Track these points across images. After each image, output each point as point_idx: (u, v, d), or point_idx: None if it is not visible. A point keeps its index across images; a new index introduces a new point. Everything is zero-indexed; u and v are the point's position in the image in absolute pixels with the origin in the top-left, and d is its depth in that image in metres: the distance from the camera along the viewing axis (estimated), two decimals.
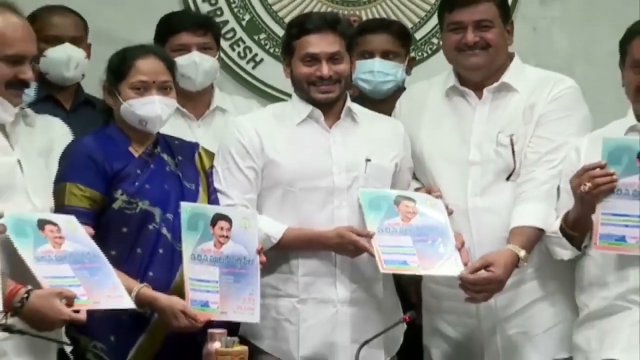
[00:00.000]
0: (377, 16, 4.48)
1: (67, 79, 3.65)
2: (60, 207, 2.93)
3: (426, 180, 3.35)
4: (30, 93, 3.34)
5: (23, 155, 2.87)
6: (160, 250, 2.98)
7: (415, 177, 3.38)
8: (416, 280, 3.35)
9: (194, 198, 3.07)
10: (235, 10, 4.63)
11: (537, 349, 3.26)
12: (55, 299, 2.57)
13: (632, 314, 3.02)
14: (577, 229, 3.05)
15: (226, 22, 4.57)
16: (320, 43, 3.19)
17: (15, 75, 2.73)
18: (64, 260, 2.72)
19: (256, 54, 4.67)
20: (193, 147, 3.23)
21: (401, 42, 3.92)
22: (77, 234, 2.87)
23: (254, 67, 4.65)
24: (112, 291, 2.77)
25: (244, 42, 4.65)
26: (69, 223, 2.84)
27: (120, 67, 3.07)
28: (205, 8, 4.56)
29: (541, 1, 4.71)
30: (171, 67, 3.08)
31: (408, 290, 3.41)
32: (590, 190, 2.90)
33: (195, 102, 3.73)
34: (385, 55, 3.81)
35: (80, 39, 3.76)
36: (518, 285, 3.20)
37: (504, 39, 3.34)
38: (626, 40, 3.16)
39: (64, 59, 3.67)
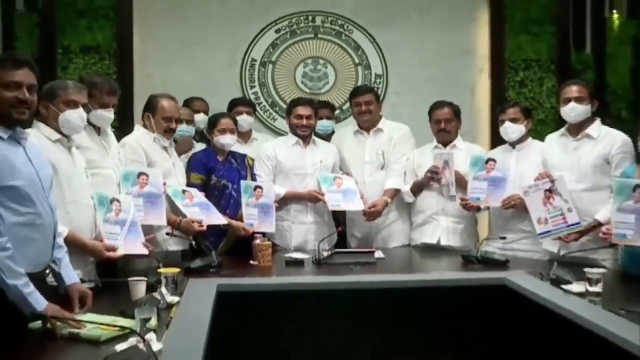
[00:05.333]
0: (327, 99, 6.06)
1: None
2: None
3: (346, 171, 4.98)
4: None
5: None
6: (232, 201, 4.55)
7: (341, 169, 4.98)
8: (343, 212, 4.94)
9: (245, 179, 4.58)
10: (267, 98, 6.45)
11: (394, 238, 4.98)
12: (192, 224, 4.09)
13: (435, 224, 4.82)
14: (415, 191, 4.86)
15: (261, 103, 6.32)
16: (303, 110, 4.80)
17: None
18: (194, 206, 4.25)
19: (273, 115, 6.47)
20: (244, 155, 4.76)
21: (331, 111, 5.62)
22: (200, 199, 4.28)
23: (274, 121, 6.45)
24: (215, 219, 4.29)
25: (269, 110, 6.48)
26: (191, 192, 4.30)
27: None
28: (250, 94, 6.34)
29: (396, 92, 6.43)
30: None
31: (338, 216, 4.94)
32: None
33: (244, 136, 5.22)
34: (327, 118, 5.44)
35: None
36: (388, 213, 4.91)
37: (377, 109, 5.04)
38: (430, 112, 4.91)
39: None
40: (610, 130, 4.37)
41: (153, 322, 2.59)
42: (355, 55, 6.53)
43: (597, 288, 3.27)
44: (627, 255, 3.88)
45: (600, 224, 4.03)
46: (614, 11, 6.91)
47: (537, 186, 4.29)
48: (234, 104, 5.37)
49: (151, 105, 4.34)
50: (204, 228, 4.14)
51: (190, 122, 4.95)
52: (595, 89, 4.97)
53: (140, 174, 4.00)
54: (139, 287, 3.12)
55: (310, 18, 6.55)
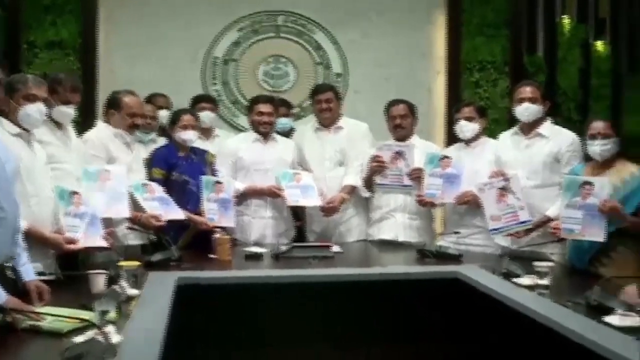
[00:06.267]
0: (287, 98, 6.00)
1: None
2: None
3: (306, 167, 4.93)
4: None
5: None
6: (192, 196, 4.47)
7: (300, 165, 4.94)
8: (302, 208, 4.91)
9: (205, 174, 4.52)
10: (229, 96, 6.42)
11: (352, 234, 4.95)
12: (151, 219, 4.07)
13: (392, 220, 4.81)
14: (367, 184, 4.85)
15: (223, 100, 6.30)
16: (264, 107, 4.79)
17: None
18: (155, 201, 4.22)
19: (235, 112, 6.53)
20: (204, 151, 4.69)
21: (289, 109, 5.63)
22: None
23: (235, 118, 6.49)
24: (174, 214, 4.25)
25: (231, 107, 6.53)
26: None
27: None
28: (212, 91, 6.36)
29: (356, 91, 6.51)
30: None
31: (297, 211, 4.95)
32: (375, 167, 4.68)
33: (206, 132, 5.21)
34: (285, 116, 5.49)
35: None
36: (346, 209, 4.89)
37: (338, 107, 5.02)
38: (386, 109, 4.92)
39: None
40: (560, 129, 4.45)
41: (112, 314, 2.57)
42: (316, 54, 6.56)
43: (546, 281, 3.30)
44: (573, 249, 3.94)
45: (550, 220, 4.08)
46: (565, 16, 7.02)
47: (491, 184, 4.31)
48: (196, 100, 5.37)
49: (114, 102, 4.30)
50: (163, 223, 4.12)
51: (154, 118, 4.98)
52: (547, 90, 5.12)
53: (101, 170, 3.99)
54: (99, 280, 3.08)
55: (272, 17, 6.56)
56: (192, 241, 4.39)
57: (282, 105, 5.50)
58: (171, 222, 4.21)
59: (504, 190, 4.26)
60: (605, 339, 2.46)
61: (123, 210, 3.99)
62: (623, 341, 2.44)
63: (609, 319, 2.67)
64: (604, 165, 3.91)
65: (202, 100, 5.36)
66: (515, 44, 6.67)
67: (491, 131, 4.96)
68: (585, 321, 2.71)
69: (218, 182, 4.51)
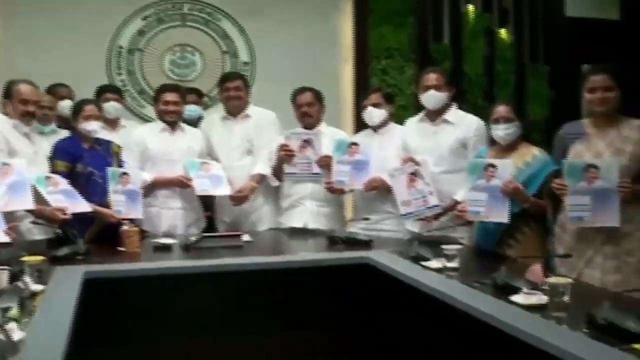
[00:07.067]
0: (197, 87, 6.02)
1: None
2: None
3: (214, 156, 4.88)
4: None
5: None
6: (98, 188, 4.36)
7: (209, 155, 4.89)
8: (212, 197, 4.89)
9: (110, 165, 4.44)
10: (135, 86, 6.31)
11: (262, 222, 4.93)
12: (56, 212, 3.98)
13: (302, 208, 4.81)
14: (277, 173, 4.83)
15: (129, 90, 6.24)
16: (170, 96, 4.73)
17: None
18: (59, 193, 4.11)
19: (142, 103, 6.42)
20: (109, 142, 4.58)
21: (198, 96, 5.60)
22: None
23: (142, 108, 6.38)
24: (80, 207, 4.15)
25: (137, 98, 6.43)
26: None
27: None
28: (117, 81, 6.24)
29: (264, 80, 6.35)
30: None
31: (207, 201, 4.91)
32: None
33: (112, 123, 5.12)
34: (194, 103, 5.52)
35: None
36: (255, 198, 4.85)
37: (246, 95, 4.99)
38: (293, 97, 4.88)
39: None
40: (466, 115, 4.51)
41: (15, 312, 2.47)
42: (223, 43, 6.51)
43: (454, 263, 3.36)
44: (480, 232, 4.01)
45: (457, 203, 4.14)
46: (470, 5, 7.13)
47: (402, 169, 4.34)
48: (101, 90, 5.25)
49: (9, 91, 4.20)
50: (69, 216, 4.03)
51: (52, 109, 4.89)
52: (453, 77, 5.19)
53: (1, 164, 3.88)
54: (1, 277, 2.97)
55: (177, 6, 6.49)
56: (100, 234, 4.31)
57: (191, 93, 5.49)
58: (77, 215, 4.12)
59: (414, 176, 4.29)
60: (511, 317, 2.51)
61: (26, 202, 3.88)
62: (528, 318, 2.50)
63: (515, 298, 2.72)
64: (507, 148, 3.98)
65: (106, 91, 5.25)
66: (422, 32, 6.78)
67: (399, 117, 4.99)
68: (492, 301, 2.76)
69: (124, 174, 4.43)
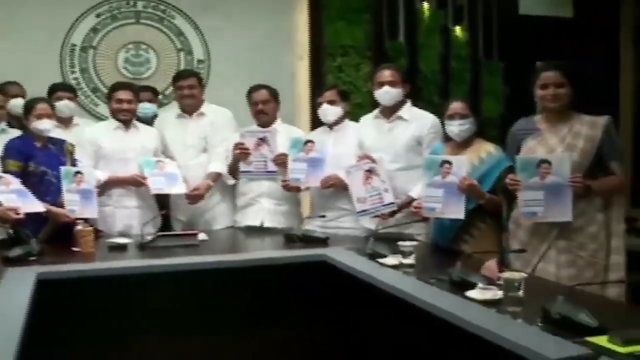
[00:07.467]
0: (152, 85, 5.87)
1: None
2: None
3: (169, 155, 4.89)
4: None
5: None
6: (52, 188, 4.32)
7: (163, 153, 4.89)
8: (168, 196, 4.85)
9: (64, 164, 4.37)
10: (89, 84, 6.19)
11: (218, 221, 4.95)
12: (8, 212, 3.92)
13: (258, 206, 4.80)
14: (233, 172, 4.82)
15: (82, 89, 6.00)
16: (124, 94, 4.69)
17: None
18: (11, 193, 4.07)
19: (95, 101, 6.29)
20: (62, 141, 4.51)
21: (153, 94, 5.57)
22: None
23: (96, 107, 6.27)
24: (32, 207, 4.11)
25: (91, 96, 6.26)
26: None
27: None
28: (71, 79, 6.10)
29: (219, 77, 6.30)
30: None
31: (162, 199, 4.84)
32: None
33: (65, 121, 4.96)
34: (149, 101, 5.42)
35: None
36: (211, 196, 4.83)
37: (200, 93, 5.00)
38: (248, 95, 4.86)
39: None
40: (421, 112, 4.52)
41: None
42: (177, 40, 6.45)
43: (410, 260, 3.39)
44: (436, 228, 4.04)
45: (413, 200, 4.14)
46: (424, 2, 7.16)
47: (358, 166, 4.34)
48: (54, 89, 5.13)
49: None
50: (21, 216, 3.97)
51: (3, 107, 4.82)
52: (408, 75, 5.16)
53: None
54: None
55: (131, 3, 6.38)
56: (53, 234, 4.24)
57: (146, 90, 5.43)
58: (30, 215, 4.06)
59: (370, 173, 4.28)
60: (467, 312, 2.54)
61: None
62: (483, 313, 2.53)
63: (470, 293, 2.75)
64: (462, 144, 4.00)
65: (59, 89, 5.12)
66: (377, 29, 6.77)
67: (355, 115, 4.98)
68: (448, 297, 2.78)
69: (78, 173, 4.37)
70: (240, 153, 4.72)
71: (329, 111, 4.69)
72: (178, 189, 4.71)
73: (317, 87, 5.93)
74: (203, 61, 6.48)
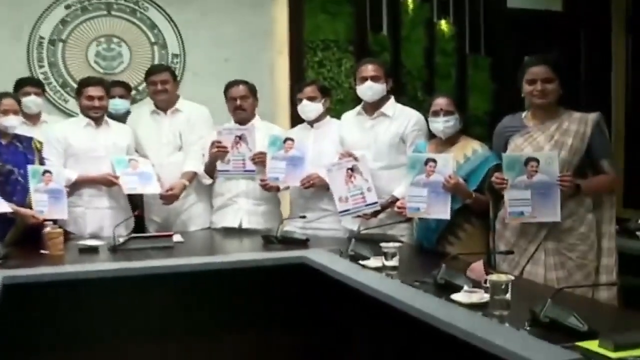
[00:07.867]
0: (122, 80, 5.86)
1: None
2: None
3: (142, 153, 4.83)
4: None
5: None
6: (18, 187, 4.33)
7: (136, 151, 4.83)
8: (141, 196, 4.84)
9: (32, 163, 4.39)
10: (58, 79, 6.10)
11: (194, 222, 4.93)
12: None
13: (235, 207, 4.78)
14: (209, 171, 4.79)
15: (51, 83, 5.94)
16: (94, 91, 4.61)
17: None
18: None
19: (65, 97, 6.15)
20: (30, 138, 4.52)
21: (126, 89, 5.57)
22: None
23: (65, 102, 6.13)
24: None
25: (60, 91, 6.13)
26: None
27: None
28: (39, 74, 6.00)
29: (195, 73, 6.28)
30: None
31: (135, 199, 4.81)
32: None
33: (32, 118, 5.00)
34: (120, 97, 5.42)
35: None
36: (187, 196, 4.83)
37: (174, 88, 4.94)
38: (225, 91, 4.83)
39: None
40: (404, 108, 4.51)
41: None
42: (151, 34, 6.37)
43: (394, 262, 3.40)
44: (420, 229, 4.05)
45: (397, 200, 4.14)
46: None
47: (340, 164, 4.32)
48: (20, 84, 5.10)
49: None
50: None
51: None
52: (392, 70, 5.17)
53: None
54: None
55: None
56: (21, 236, 4.24)
57: (117, 86, 5.40)
58: None
59: (352, 171, 4.26)
60: (452, 316, 2.53)
61: None
62: (469, 317, 2.52)
63: (455, 296, 2.74)
64: (447, 142, 4.01)
65: (26, 84, 5.07)
66: (360, 23, 6.71)
67: (337, 112, 4.99)
68: (432, 300, 2.78)
69: (47, 172, 4.34)
70: (218, 151, 4.69)
71: (309, 108, 4.67)
72: (152, 188, 4.67)
73: (297, 83, 5.84)
74: (178, 55, 6.42)
